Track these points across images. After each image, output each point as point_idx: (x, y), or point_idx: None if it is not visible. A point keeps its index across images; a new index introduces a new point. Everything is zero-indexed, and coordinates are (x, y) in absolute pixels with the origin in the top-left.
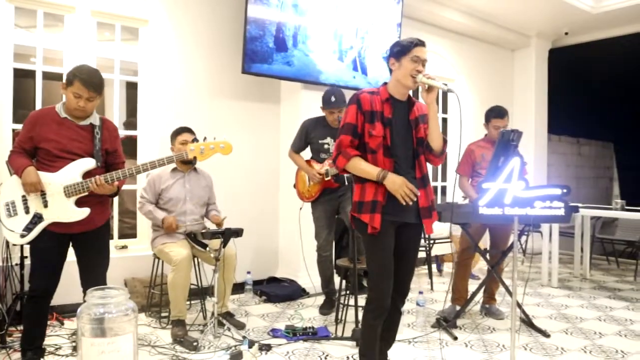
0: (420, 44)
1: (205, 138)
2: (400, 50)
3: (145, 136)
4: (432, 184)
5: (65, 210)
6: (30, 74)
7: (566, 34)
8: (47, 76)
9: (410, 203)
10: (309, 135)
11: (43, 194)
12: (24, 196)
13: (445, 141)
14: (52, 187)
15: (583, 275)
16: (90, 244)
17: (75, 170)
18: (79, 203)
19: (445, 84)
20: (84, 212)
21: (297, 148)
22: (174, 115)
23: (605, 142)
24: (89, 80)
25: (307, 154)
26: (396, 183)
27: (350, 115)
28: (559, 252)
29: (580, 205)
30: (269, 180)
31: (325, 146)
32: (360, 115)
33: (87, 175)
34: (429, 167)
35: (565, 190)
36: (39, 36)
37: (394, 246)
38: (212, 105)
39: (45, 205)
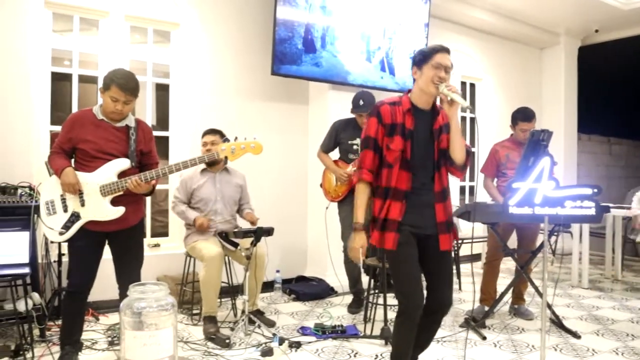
0: (442, 50)
1: (236, 138)
2: (422, 59)
3: (177, 136)
4: (460, 184)
5: (101, 209)
6: (66, 77)
7: (596, 31)
8: (82, 79)
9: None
10: (339, 136)
11: (80, 193)
12: (62, 195)
13: (468, 154)
14: (88, 187)
15: (614, 277)
16: (125, 242)
17: (111, 170)
18: (114, 202)
19: (467, 102)
20: (119, 210)
21: (326, 148)
22: (204, 116)
23: (637, 141)
24: (126, 85)
25: (334, 154)
26: (354, 243)
27: (371, 128)
28: (589, 252)
29: (611, 205)
30: (297, 181)
31: (354, 147)
32: (381, 128)
33: (122, 175)
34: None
35: (596, 190)
36: (75, 40)
37: (420, 259)
38: (241, 106)
39: (83, 204)
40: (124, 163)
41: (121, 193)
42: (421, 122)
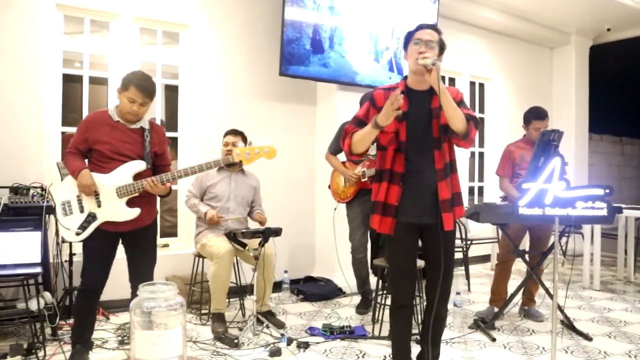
0: (421, 27)
1: (250, 142)
2: (406, 41)
3: (186, 137)
4: (469, 184)
5: (117, 210)
6: (77, 78)
7: (608, 30)
8: (92, 80)
9: (399, 103)
10: None
11: (96, 195)
12: (78, 196)
13: (468, 120)
14: (104, 188)
15: (627, 278)
16: (138, 242)
17: (127, 172)
18: (129, 203)
19: (430, 60)
20: (135, 212)
21: (334, 150)
22: (213, 117)
23: None
24: (144, 86)
25: (342, 156)
26: (384, 110)
27: (362, 110)
28: (601, 254)
29: (623, 206)
30: (305, 181)
31: None
32: (373, 111)
33: (137, 177)
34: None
35: (607, 191)
36: (85, 42)
37: (416, 247)
38: (249, 106)
39: (99, 205)
40: (139, 165)
41: (137, 194)
42: (417, 103)
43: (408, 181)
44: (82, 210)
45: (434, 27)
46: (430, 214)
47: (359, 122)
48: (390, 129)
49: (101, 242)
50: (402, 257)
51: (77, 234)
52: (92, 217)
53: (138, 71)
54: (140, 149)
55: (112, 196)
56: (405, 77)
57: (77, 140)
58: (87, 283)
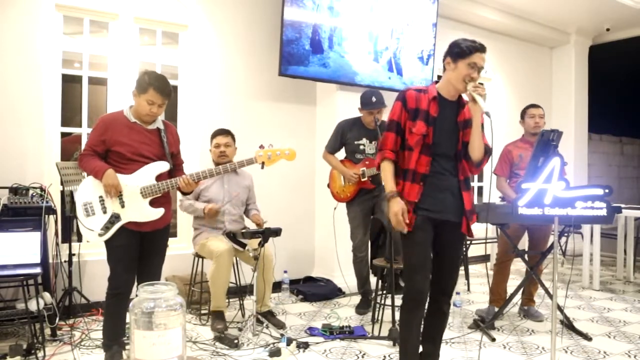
0: (481, 49)
1: (271, 145)
2: (459, 53)
3: (186, 137)
4: None
5: (142, 211)
6: (75, 78)
7: (608, 30)
8: (91, 81)
9: (400, 230)
10: (345, 136)
11: (120, 195)
12: (100, 197)
13: (486, 152)
14: (128, 189)
15: (626, 278)
16: (154, 242)
17: (151, 172)
18: (151, 204)
19: (485, 107)
20: (159, 212)
21: (332, 149)
22: (212, 117)
23: None
24: (163, 88)
25: (340, 155)
26: (392, 210)
27: (395, 111)
28: (600, 254)
29: (623, 205)
30: (305, 181)
31: (361, 147)
32: (405, 112)
33: (158, 177)
34: None
35: (607, 191)
36: (85, 43)
37: (432, 242)
38: (249, 106)
39: (123, 206)
40: (164, 166)
41: (160, 195)
42: (446, 111)
43: (429, 181)
44: (105, 211)
45: (486, 50)
46: (449, 212)
47: (397, 126)
48: (419, 131)
49: (127, 241)
50: (419, 250)
51: (100, 234)
52: (115, 217)
53: (152, 72)
54: (158, 150)
55: (136, 197)
56: (436, 82)
57: (94, 142)
58: (117, 285)
